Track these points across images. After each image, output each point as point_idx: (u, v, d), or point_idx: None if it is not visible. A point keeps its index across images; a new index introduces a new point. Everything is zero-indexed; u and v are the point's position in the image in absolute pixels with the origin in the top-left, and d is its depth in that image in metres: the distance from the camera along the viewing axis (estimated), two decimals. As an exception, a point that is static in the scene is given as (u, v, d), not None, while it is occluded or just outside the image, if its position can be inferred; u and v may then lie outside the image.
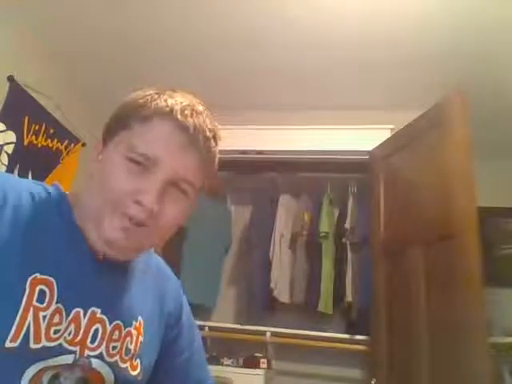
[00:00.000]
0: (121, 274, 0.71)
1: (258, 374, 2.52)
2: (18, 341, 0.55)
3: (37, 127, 2.26)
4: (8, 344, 0.54)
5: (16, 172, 2.13)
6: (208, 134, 0.65)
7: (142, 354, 0.71)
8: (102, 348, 0.64)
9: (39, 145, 2.30)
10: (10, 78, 2.09)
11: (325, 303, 2.69)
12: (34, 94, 2.23)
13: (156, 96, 0.64)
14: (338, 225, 2.88)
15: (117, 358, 0.66)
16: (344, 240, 2.78)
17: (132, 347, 0.69)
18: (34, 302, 0.57)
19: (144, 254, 0.75)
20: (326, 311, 2.69)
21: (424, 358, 1.84)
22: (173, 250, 2.96)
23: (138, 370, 0.70)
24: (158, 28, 2.21)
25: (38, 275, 0.58)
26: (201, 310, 2.83)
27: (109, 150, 0.65)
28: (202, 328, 2.70)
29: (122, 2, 2.06)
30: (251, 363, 2.62)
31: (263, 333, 2.67)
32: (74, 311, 0.61)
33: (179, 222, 0.66)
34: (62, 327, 0.60)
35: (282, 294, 2.79)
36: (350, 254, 2.75)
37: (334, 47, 2.22)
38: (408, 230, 2.10)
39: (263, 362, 2.62)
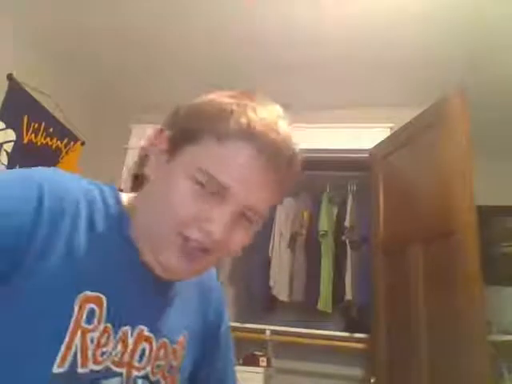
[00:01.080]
0: (167, 288, 0.66)
1: (257, 372, 2.52)
2: (66, 366, 0.51)
3: (36, 125, 2.26)
4: (55, 370, 0.50)
5: (15, 170, 2.13)
6: (289, 157, 0.58)
7: (183, 367, 0.69)
8: (148, 368, 0.61)
9: (39, 143, 2.30)
10: (10, 77, 2.09)
11: (324, 302, 2.69)
12: (33, 93, 2.23)
13: (235, 107, 0.57)
14: (337, 223, 2.88)
15: (159, 376, 0.63)
16: (343, 238, 2.79)
17: (175, 364, 0.66)
18: (83, 324, 0.53)
19: None
20: (325, 309, 2.69)
21: (423, 356, 1.84)
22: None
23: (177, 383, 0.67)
24: (158, 27, 2.21)
25: (88, 292, 0.54)
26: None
27: (174, 164, 0.58)
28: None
29: (123, 2, 2.06)
30: (251, 361, 2.62)
31: (263, 331, 2.67)
32: (122, 329, 0.58)
33: (243, 245, 0.61)
34: (110, 348, 0.56)
35: (281, 292, 2.79)
36: (349, 253, 2.76)
37: (333, 46, 2.22)
38: (407, 229, 2.10)
39: (263, 360, 2.63)
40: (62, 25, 2.23)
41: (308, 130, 2.70)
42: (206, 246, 0.57)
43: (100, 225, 0.58)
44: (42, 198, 0.53)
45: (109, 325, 0.56)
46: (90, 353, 0.53)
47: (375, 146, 2.51)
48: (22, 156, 2.16)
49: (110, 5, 2.07)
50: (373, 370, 2.26)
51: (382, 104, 2.59)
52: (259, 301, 2.84)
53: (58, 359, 0.51)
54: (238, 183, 0.55)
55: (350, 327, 2.67)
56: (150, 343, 0.61)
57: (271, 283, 2.76)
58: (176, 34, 2.24)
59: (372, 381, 2.18)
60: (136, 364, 0.59)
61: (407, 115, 2.22)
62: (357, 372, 2.67)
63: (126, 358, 0.58)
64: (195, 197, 0.56)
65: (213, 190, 0.55)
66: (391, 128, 2.54)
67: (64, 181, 0.58)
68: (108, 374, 0.55)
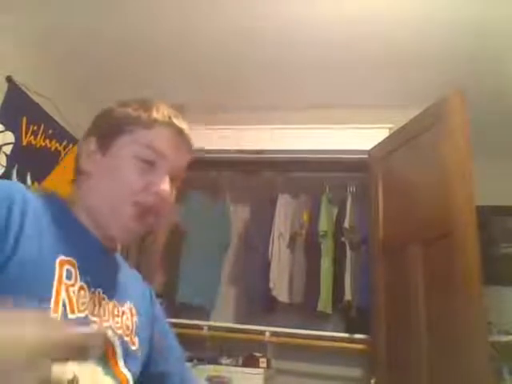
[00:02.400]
0: (112, 259, 0.82)
1: (257, 374, 2.52)
2: (59, 312, 0.63)
3: (35, 128, 2.26)
4: (52, 315, 0.60)
5: (14, 173, 2.13)
6: (190, 136, 0.81)
7: (139, 332, 0.80)
8: (111, 321, 0.74)
9: (38, 145, 2.29)
10: (9, 79, 2.09)
11: (324, 302, 2.69)
12: (32, 95, 2.22)
13: (151, 105, 0.78)
14: (336, 224, 2.88)
15: (121, 331, 0.75)
16: (343, 239, 2.78)
17: (130, 324, 0.78)
18: (64, 280, 0.66)
19: None
20: (325, 310, 2.69)
21: (423, 357, 1.84)
22: (172, 251, 2.96)
23: (137, 345, 0.79)
24: (156, 30, 2.21)
25: (63, 257, 0.67)
26: (200, 310, 2.83)
27: (112, 153, 0.76)
28: (201, 328, 2.70)
29: (121, 4, 2.06)
30: (251, 362, 2.62)
31: (262, 332, 2.67)
32: (90, 289, 0.71)
33: (172, 203, 0.81)
34: (86, 301, 0.69)
35: (281, 293, 2.79)
36: (348, 253, 2.75)
37: (333, 46, 2.22)
38: (407, 229, 2.10)
39: (262, 362, 2.62)
40: (61, 26, 2.23)
41: (307, 130, 2.70)
42: (156, 205, 0.74)
43: (49, 212, 0.70)
44: (11, 205, 0.64)
45: (83, 284, 0.69)
46: (74, 302, 0.66)
47: (374, 147, 2.51)
48: (21, 158, 2.16)
49: (110, 5, 2.07)
50: (373, 370, 2.27)
51: (382, 105, 2.59)
52: (259, 302, 2.84)
53: (52, 307, 0.62)
54: (170, 152, 0.76)
55: (350, 328, 2.67)
56: (106, 303, 0.74)
57: (271, 284, 2.76)
58: (175, 33, 2.24)
59: (372, 381, 2.18)
60: (103, 317, 0.72)
61: (406, 116, 2.22)
62: (357, 373, 2.67)
63: (96, 311, 0.71)
64: (142, 171, 0.74)
65: (155, 160, 0.75)
66: (390, 129, 2.53)
67: (19, 188, 0.71)
68: (88, 321, 0.68)
